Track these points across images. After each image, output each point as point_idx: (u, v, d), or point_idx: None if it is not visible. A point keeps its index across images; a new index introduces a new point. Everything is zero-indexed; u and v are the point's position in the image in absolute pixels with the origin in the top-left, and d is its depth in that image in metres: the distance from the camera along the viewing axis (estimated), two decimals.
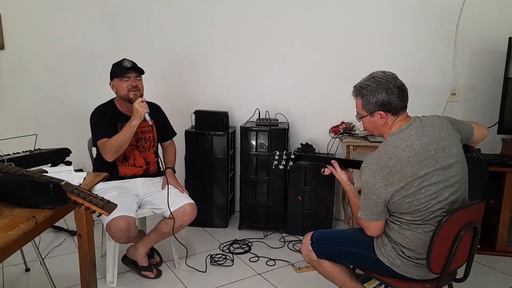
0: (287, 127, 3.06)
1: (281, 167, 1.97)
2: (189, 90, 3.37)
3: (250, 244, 2.82)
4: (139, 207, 2.30)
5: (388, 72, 1.61)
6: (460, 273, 1.66)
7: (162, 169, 2.50)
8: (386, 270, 1.59)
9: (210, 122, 3.05)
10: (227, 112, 3.13)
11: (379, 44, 3.09)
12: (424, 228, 1.51)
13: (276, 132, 2.97)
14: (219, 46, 3.27)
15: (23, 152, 2.33)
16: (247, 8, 3.19)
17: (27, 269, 2.42)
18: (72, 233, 2.92)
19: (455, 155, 1.55)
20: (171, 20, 3.27)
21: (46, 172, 1.64)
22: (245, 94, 3.30)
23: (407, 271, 1.56)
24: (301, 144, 3.09)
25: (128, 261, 2.43)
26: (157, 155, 2.48)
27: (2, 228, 1.19)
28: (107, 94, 2.42)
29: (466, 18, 2.98)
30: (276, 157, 1.97)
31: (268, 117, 3.10)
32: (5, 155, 2.17)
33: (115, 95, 2.38)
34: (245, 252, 2.71)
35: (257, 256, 2.65)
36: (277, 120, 3.09)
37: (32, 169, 1.78)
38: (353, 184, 1.82)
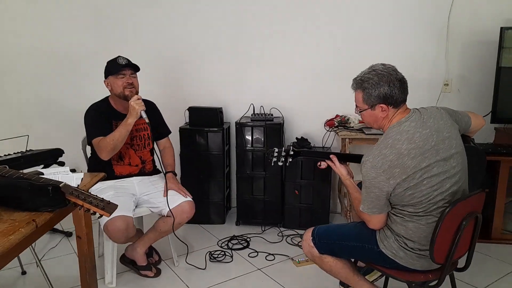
0: (282, 121, 3.05)
1: (280, 163, 1.96)
2: (182, 86, 3.33)
3: (248, 239, 2.82)
4: (136, 206, 2.27)
5: (388, 64, 1.61)
6: (461, 263, 1.68)
7: (161, 169, 2.44)
8: (389, 262, 1.60)
9: (204, 118, 3.03)
10: (221, 108, 3.10)
11: (372, 38, 3.09)
12: (427, 220, 1.52)
13: (272, 127, 2.95)
14: (212, 42, 3.24)
15: (14, 153, 2.29)
16: (240, 4, 3.15)
17: (23, 272, 2.38)
18: (67, 234, 2.88)
19: (455, 146, 1.56)
20: (162, 16, 3.22)
21: (42, 174, 1.61)
22: (239, 89, 3.28)
23: (410, 262, 1.57)
24: (297, 138, 3.09)
25: (126, 260, 2.41)
26: (152, 154, 2.45)
27: (2, 233, 1.16)
28: (97, 94, 2.38)
29: (457, 10, 3.00)
30: (275, 154, 1.96)
31: (263, 112, 3.09)
32: None
33: (104, 95, 2.34)
34: (244, 247, 2.71)
35: (256, 252, 2.65)
36: (272, 115, 3.07)
37: (26, 170, 1.75)
38: (353, 178, 1.82)
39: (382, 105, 1.57)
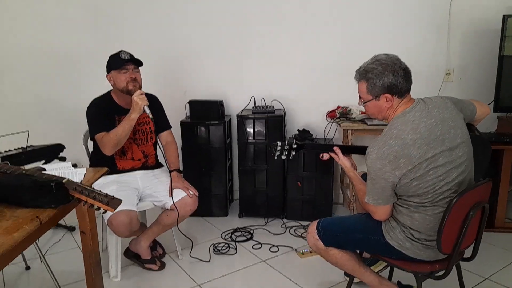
0: (283, 113, 3.03)
1: (283, 157, 1.94)
2: (182, 80, 3.30)
3: (251, 231, 2.82)
4: (139, 200, 2.26)
5: (391, 54, 1.60)
6: (467, 253, 1.67)
7: (166, 165, 2.41)
8: (396, 253, 1.59)
9: (205, 111, 3.01)
10: (222, 101, 3.08)
11: (373, 29, 3.06)
12: (433, 210, 1.51)
13: (273, 119, 2.93)
14: (212, 35, 3.20)
15: (15, 149, 2.27)
16: None
17: (27, 267, 2.38)
18: (70, 228, 2.87)
19: (460, 136, 1.55)
20: (162, 11, 3.18)
21: (44, 169, 1.59)
22: (240, 82, 3.25)
23: (417, 253, 1.56)
24: (298, 130, 3.07)
25: (130, 254, 2.41)
26: (155, 148, 2.43)
27: (6, 230, 1.15)
28: (96, 92, 2.35)
29: None
30: (278, 148, 1.94)
31: (264, 104, 3.06)
32: None
33: (104, 91, 2.31)
34: (248, 239, 2.71)
35: (260, 243, 2.65)
36: (273, 107, 3.05)
37: (28, 166, 1.74)
38: (356, 169, 1.81)
39: (386, 95, 1.55)
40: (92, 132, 2.21)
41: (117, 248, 2.23)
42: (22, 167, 1.95)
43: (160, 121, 2.43)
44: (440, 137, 1.50)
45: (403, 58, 1.59)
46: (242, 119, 2.94)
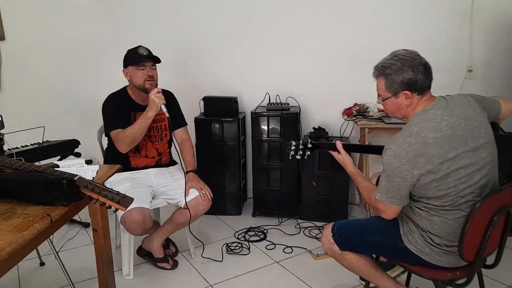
0: (298, 111, 2.98)
1: (298, 157, 1.90)
2: (197, 76, 3.28)
3: (265, 231, 2.78)
4: (153, 198, 2.25)
5: (411, 49, 1.54)
6: (489, 259, 1.60)
7: (180, 164, 2.38)
8: (414, 258, 1.53)
9: (220, 108, 2.98)
10: (236, 97, 3.05)
11: (391, 22, 2.97)
12: (454, 214, 1.44)
13: (288, 116, 2.89)
14: (226, 30, 3.16)
15: (31, 144, 2.29)
16: None
17: (42, 263, 2.40)
18: (85, 225, 2.89)
19: (484, 135, 1.47)
20: (176, 5, 3.16)
21: (58, 166, 1.59)
22: (254, 78, 3.21)
23: (437, 259, 1.50)
24: (314, 128, 3.02)
25: (143, 253, 2.40)
26: (170, 146, 2.41)
27: (17, 228, 1.13)
28: (113, 83, 2.35)
29: None
30: (293, 147, 1.90)
31: (279, 101, 3.02)
32: (14, 149, 2.13)
33: (121, 83, 2.30)
34: (261, 239, 2.67)
35: (274, 244, 2.61)
36: (288, 104, 3.00)
37: (43, 162, 1.73)
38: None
39: (406, 92, 1.49)
40: (108, 129, 2.20)
41: (130, 246, 2.23)
42: (37, 163, 1.96)
43: (176, 117, 2.40)
44: (463, 137, 1.43)
45: (422, 54, 1.53)
46: (256, 116, 2.90)
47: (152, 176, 2.32)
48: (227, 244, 2.59)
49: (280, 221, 2.94)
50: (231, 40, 3.17)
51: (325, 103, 3.17)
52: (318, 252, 2.45)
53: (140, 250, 2.42)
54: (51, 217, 1.23)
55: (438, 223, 1.47)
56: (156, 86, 2.19)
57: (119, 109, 2.22)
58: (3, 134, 1.82)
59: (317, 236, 2.70)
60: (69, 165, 1.66)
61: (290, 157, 1.91)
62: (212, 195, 2.25)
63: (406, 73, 1.47)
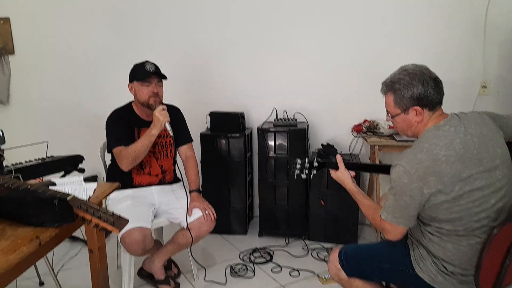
0: (306, 127, 2.91)
1: (303, 176, 1.81)
2: (203, 91, 3.25)
3: (271, 252, 2.68)
4: (155, 216, 2.18)
5: (420, 64, 1.48)
6: None
7: (184, 185, 2.33)
8: (427, 287, 1.43)
9: (226, 123, 2.93)
10: (243, 112, 3.00)
11: (402, 37, 2.90)
12: (468, 240, 1.34)
13: (295, 132, 2.82)
14: (233, 44, 3.13)
15: (35, 160, 2.25)
16: (261, 4, 3.04)
17: (41, 283, 2.34)
18: (87, 243, 2.82)
19: (500, 155, 1.39)
20: (182, 19, 3.15)
21: (54, 184, 1.54)
22: (261, 93, 3.16)
23: None
24: (322, 144, 2.94)
25: (144, 274, 2.33)
26: (174, 163, 2.35)
27: (2, 252, 1.08)
28: (119, 97, 2.32)
29: (496, 4, 2.75)
30: (298, 166, 1.82)
31: (287, 117, 2.95)
32: (17, 164, 2.09)
33: (126, 98, 2.27)
34: (267, 261, 2.57)
35: (280, 266, 2.51)
36: (295, 119, 2.94)
37: (46, 178, 1.68)
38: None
39: (416, 107, 1.42)
40: (111, 146, 2.16)
41: (130, 267, 2.15)
42: (39, 179, 1.91)
43: (181, 134, 2.35)
44: (477, 156, 1.34)
45: (434, 70, 1.47)
46: (263, 132, 2.84)
47: (155, 194, 2.26)
48: (231, 265, 2.50)
49: (287, 242, 2.84)
50: (238, 55, 3.14)
51: (334, 119, 3.09)
52: (326, 276, 2.35)
53: (141, 271, 2.34)
54: (40, 240, 1.17)
55: (451, 249, 1.37)
56: (161, 102, 2.15)
57: (122, 125, 2.18)
58: (3, 149, 1.78)
59: (325, 259, 2.59)
60: (66, 183, 1.61)
61: (296, 176, 1.83)
62: (215, 216, 2.18)
63: (416, 88, 1.40)
